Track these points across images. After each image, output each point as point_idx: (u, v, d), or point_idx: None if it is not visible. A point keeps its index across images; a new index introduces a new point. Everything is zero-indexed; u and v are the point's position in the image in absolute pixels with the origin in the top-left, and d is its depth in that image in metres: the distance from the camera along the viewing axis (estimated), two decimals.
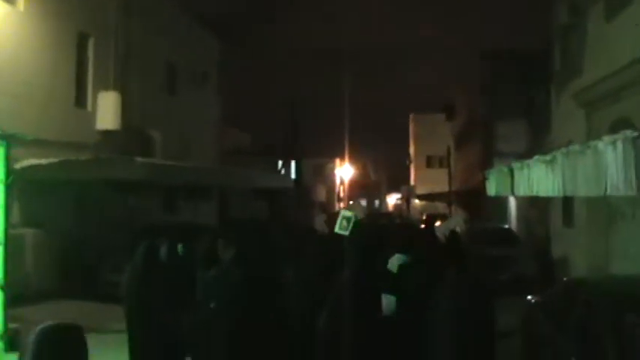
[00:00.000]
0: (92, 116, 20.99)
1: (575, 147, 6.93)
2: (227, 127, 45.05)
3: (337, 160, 72.75)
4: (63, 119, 19.37)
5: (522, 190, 9.20)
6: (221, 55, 32.80)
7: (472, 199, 36.76)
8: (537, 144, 26.05)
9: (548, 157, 7.78)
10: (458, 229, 12.12)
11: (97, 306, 15.55)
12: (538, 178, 8.17)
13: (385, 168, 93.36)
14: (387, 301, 7.01)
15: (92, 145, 20.28)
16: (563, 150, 7.29)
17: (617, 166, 5.67)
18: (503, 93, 33.53)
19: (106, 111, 21.06)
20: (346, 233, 9.00)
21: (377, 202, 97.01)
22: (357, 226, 9.23)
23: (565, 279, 10.41)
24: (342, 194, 71.21)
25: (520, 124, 31.92)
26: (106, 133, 21.13)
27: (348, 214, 9.27)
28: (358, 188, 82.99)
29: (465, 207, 41.17)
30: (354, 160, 71.71)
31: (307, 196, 57.64)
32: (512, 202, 30.57)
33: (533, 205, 25.51)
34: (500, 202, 29.82)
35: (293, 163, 52.40)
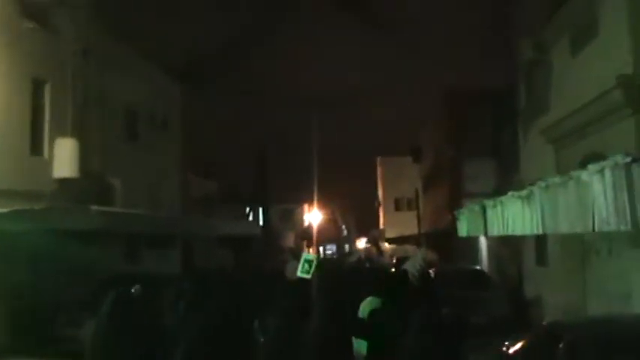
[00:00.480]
0: (49, 164, 20.27)
1: (555, 179, 6.38)
2: (192, 175, 44.61)
3: (306, 206, 72.36)
4: (17, 168, 18.65)
5: (496, 229, 8.64)
6: (184, 102, 32.26)
7: (442, 240, 36.37)
8: (506, 183, 25.64)
9: (524, 193, 7.23)
10: (418, 268, 13.09)
11: None
12: (513, 216, 7.63)
13: (354, 211, 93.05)
14: (358, 346, 7.15)
15: (48, 194, 19.54)
16: (541, 184, 6.72)
17: (605, 198, 5.01)
18: (469, 132, 33.27)
19: (63, 158, 20.36)
20: (308, 276, 8.95)
21: (347, 246, 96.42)
22: (320, 269, 9.16)
23: (545, 323, 9.82)
24: (311, 239, 70.42)
25: (488, 164, 31.53)
26: (64, 182, 20.40)
27: (310, 257, 9.34)
28: (327, 233, 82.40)
29: (435, 248, 40.69)
30: (322, 204, 71.20)
31: (276, 242, 57.11)
32: (483, 242, 30.08)
33: (505, 243, 25.05)
34: (471, 242, 29.35)
35: (260, 210, 51.81)
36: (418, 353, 6.68)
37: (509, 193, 7.88)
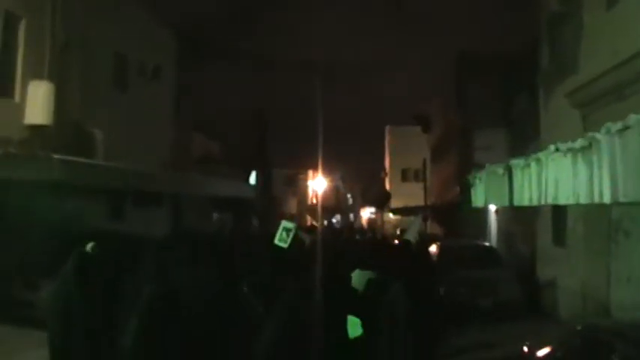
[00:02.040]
0: (19, 108, 18.36)
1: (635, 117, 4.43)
2: (194, 133, 43.13)
3: (310, 172, 71.31)
4: None
5: (528, 196, 6.61)
6: (180, 55, 30.26)
7: (448, 213, 35.10)
8: (520, 154, 23.79)
9: (578, 143, 5.23)
10: (413, 240, 12.20)
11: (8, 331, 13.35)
12: (557, 177, 5.62)
13: (360, 181, 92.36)
14: (352, 324, 6.76)
15: (17, 141, 17.66)
16: (611, 126, 4.75)
17: None
18: (481, 100, 31.53)
19: (36, 103, 18.42)
20: (285, 245, 8.56)
21: (352, 215, 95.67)
22: (297, 239, 8.79)
23: (579, 327, 7.59)
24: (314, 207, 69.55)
25: (500, 133, 29.77)
26: (35, 128, 18.52)
27: (289, 225, 8.83)
28: (332, 202, 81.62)
29: (441, 222, 39.55)
30: (328, 172, 70.09)
31: (277, 207, 55.81)
32: (492, 216, 28.25)
33: (517, 219, 23.13)
34: (480, 216, 27.72)
35: (260, 174, 50.40)
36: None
37: (551, 147, 5.96)
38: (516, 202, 7.38)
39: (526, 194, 6.76)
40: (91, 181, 17.11)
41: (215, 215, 36.79)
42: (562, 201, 5.82)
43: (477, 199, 9.64)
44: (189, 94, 33.63)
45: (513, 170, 7.24)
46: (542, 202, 6.35)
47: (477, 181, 9.58)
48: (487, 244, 23.74)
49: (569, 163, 5.44)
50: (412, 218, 45.18)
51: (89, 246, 8.60)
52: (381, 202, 61.40)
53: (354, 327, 6.72)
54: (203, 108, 38.34)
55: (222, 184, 30.24)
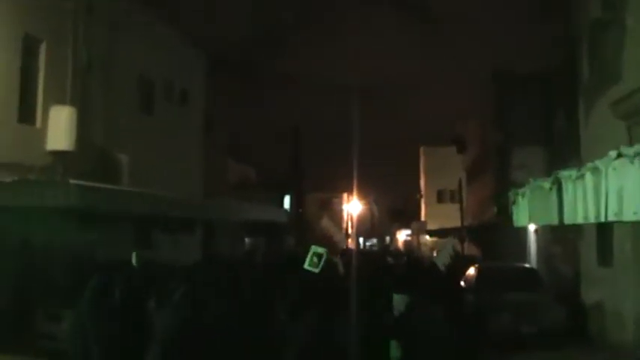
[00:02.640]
0: (41, 134, 17.88)
1: None
2: (229, 159, 42.89)
3: (345, 195, 70.93)
4: (1, 137, 16.26)
5: (583, 213, 5.72)
6: (209, 77, 29.76)
7: (486, 234, 34.58)
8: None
9: None
10: (445, 263, 12.54)
11: None
12: (622, 189, 4.80)
13: (395, 203, 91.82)
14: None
15: (40, 168, 17.16)
16: None
17: None
18: (517, 118, 30.83)
19: (59, 128, 17.95)
20: (316, 270, 8.16)
21: (387, 238, 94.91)
22: (329, 263, 8.53)
23: None
24: (349, 230, 69.35)
25: (537, 152, 29.11)
26: (59, 155, 18.02)
27: (320, 250, 8.40)
28: (367, 225, 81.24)
29: (478, 243, 38.73)
30: (362, 194, 69.79)
31: (310, 232, 55.27)
32: (531, 236, 27.31)
33: (558, 238, 22.20)
34: (518, 237, 26.82)
35: (294, 198, 50.00)
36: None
37: (611, 153, 5.18)
38: (567, 221, 6.49)
39: (580, 211, 5.90)
40: (114, 208, 16.49)
41: (247, 240, 36.28)
42: (627, 217, 5.01)
43: (519, 218, 8.78)
44: (222, 117, 33.32)
45: (563, 183, 6.40)
46: (602, 219, 5.49)
47: (519, 198, 8.74)
48: (528, 265, 22.78)
49: (636, 171, 4.64)
50: (444, 241, 44.50)
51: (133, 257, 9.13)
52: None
53: (393, 349, 6.90)
54: (237, 132, 38.23)
55: (254, 208, 29.63)
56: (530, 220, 8.28)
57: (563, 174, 6.58)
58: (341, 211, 73.85)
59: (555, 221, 6.89)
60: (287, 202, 51.94)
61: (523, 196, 8.65)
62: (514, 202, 9.10)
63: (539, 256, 26.20)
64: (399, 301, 7.89)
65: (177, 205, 21.04)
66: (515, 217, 9.13)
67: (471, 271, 19.46)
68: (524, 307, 15.98)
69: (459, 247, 40.63)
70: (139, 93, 23.49)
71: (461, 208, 43.83)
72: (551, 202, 6.85)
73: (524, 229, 26.36)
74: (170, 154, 24.44)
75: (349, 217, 70.33)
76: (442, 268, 12.74)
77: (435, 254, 42.54)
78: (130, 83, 22.78)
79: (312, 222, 59.35)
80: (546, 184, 7.25)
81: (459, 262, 25.59)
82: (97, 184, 15.90)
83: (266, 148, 48.10)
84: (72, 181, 14.63)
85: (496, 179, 34.61)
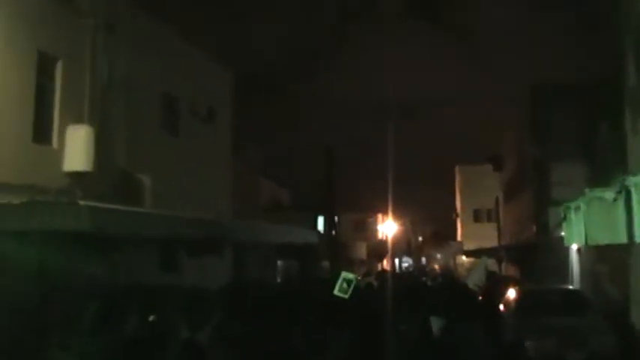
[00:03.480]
0: (58, 155, 17.13)
1: None
2: (265, 180, 42.34)
3: (380, 216, 70.38)
4: (14, 158, 15.52)
5: None
6: (237, 96, 28.97)
7: (525, 254, 33.41)
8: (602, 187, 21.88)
9: None
10: (478, 283, 12.66)
11: None
12: None
13: (431, 223, 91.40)
14: None
15: (56, 190, 16.37)
16: None
17: None
18: (556, 132, 30.46)
19: (76, 148, 17.16)
20: (346, 296, 8.51)
21: (423, 259, 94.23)
22: (358, 289, 9.12)
23: None
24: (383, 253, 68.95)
25: (579, 167, 28.25)
26: (76, 176, 17.25)
27: (349, 276, 8.87)
28: (403, 245, 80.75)
29: (517, 263, 37.75)
30: (397, 215, 69.22)
31: (344, 254, 54.39)
32: (574, 255, 26.13)
33: (603, 257, 21.01)
34: (560, 256, 25.70)
35: (327, 219, 49.36)
36: None
37: None
38: None
39: None
40: (129, 230, 15.61)
41: (280, 263, 35.50)
42: None
43: (572, 236, 7.64)
44: (256, 138, 32.89)
45: (633, 192, 5.32)
46: None
47: (571, 213, 7.60)
48: (572, 287, 21.53)
49: None
50: (478, 261, 43.48)
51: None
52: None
53: None
54: (273, 153, 38.06)
55: (284, 230, 28.71)
56: (588, 239, 7.06)
57: (633, 180, 5.50)
58: (376, 231, 73.10)
59: (622, 239, 5.79)
60: (321, 223, 51.32)
61: (577, 210, 7.49)
62: (564, 219, 7.98)
63: (583, 276, 24.95)
64: (433, 322, 7.85)
65: (201, 226, 20.20)
66: (566, 236, 8.00)
67: (511, 293, 18.33)
68: (570, 331, 14.80)
69: (495, 267, 39.77)
70: (162, 111, 22.73)
71: (498, 228, 43.32)
72: (615, 215, 5.76)
73: (567, 248, 25.35)
74: (197, 175, 23.65)
75: (383, 240, 69.83)
76: (475, 288, 12.34)
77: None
78: (152, 101, 22.04)
79: (346, 243, 58.47)
80: (609, 194, 6.15)
81: (496, 284, 24.59)
82: (110, 206, 15.05)
83: (301, 169, 47.99)
84: (82, 202, 13.77)
85: (535, 197, 33.83)
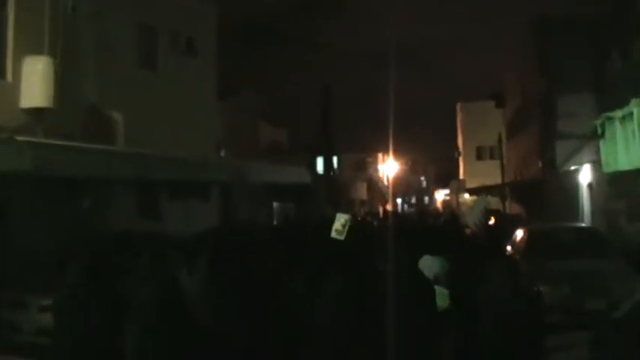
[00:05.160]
0: (14, 90, 15.46)
1: None
2: (262, 123, 41.22)
3: (380, 155, 69.44)
4: None
5: None
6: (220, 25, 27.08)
7: (530, 191, 32.74)
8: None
9: None
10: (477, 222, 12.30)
11: None
12: None
13: (433, 162, 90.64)
14: (440, 295, 6.99)
15: (13, 128, 14.70)
16: None
17: None
18: (563, 64, 28.95)
19: (34, 83, 15.53)
20: (342, 238, 8.04)
21: (426, 198, 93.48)
22: (354, 230, 8.30)
23: None
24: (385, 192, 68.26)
25: (587, 99, 26.97)
26: (36, 113, 15.60)
27: (345, 217, 8.33)
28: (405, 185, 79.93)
29: (521, 202, 36.62)
30: (399, 154, 68.35)
31: (344, 194, 53.40)
32: (584, 191, 24.62)
33: (620, 192, 19.36)
34: (569, 193, 24.27)
35: (324, 159, 48.44)
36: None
37: None
38: None
39: None
40: (87, 171, 14.00)
41: (276, 205, 34.34)
42: None
43: (618, 158, 5.96)
44: (253, 80, 31.64)
45: None
46: None
47: (616, 125, 5.85)
48: (588, 225, 19.58)
49: None
50: (489, 198, 42.25)
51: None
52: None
53: (443, 298, 6.96)
54: (273, 96, 37.25)
55: (274, 169, 27.16)
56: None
57: None
58: (377, 171, 72.08)
59: None
60: (320, 164, 50.40)
61: (625, 120, 5.68)
62: (602, 135, 6.30)
63: (595, 214, 23.33)
64: (430, 263, 7.68)
65: (181, 166, 18.64)
66: (605, 159, 6.33)
67: (519, 234, 16.65)
68: (588, 277, 13.12)
69: (499, 206, 38.59)
70: (138, 43, 20.96)
71: (501, 165, 42.11)
72: None
73: (576, 184, 23.95)
74: (179, 114, 21.95)
75: (385, 177, 69.07)
76: (474, 227, 12.57)
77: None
78: (127, 32, 20.26)
79: (346, 184, 57.45)
80: None
81: (502, 222, 23.18)
82: (60, 142, 13.44)
83: (301, 112, 47.18)
84: (20, 139, 12.13)
85: (540, 131, 32.97)
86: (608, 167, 6.38)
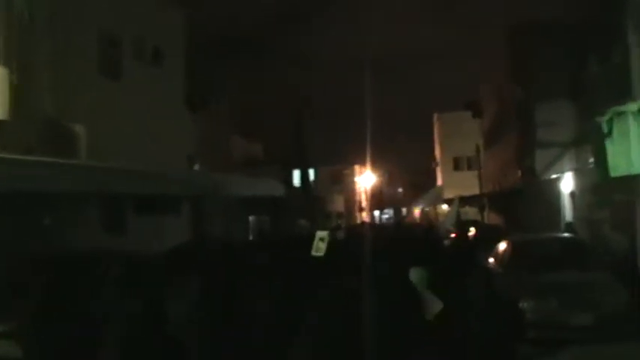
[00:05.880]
0: None
1: None
2: (235, 135, 40.83)
3: (357, 167, 69.01)
4: None
5: None
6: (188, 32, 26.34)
7: (509, 201, 32.26)
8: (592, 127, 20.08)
9: None
10: (448, 227, 13.84)
11: None
12: None
13: (410, 173, 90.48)
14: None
15: None
16: None
17: None
18: (539, 71, 28.70)
19: None
20: (321, 255, 8.30)
21: (404, 210, 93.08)
22: (334, 247, 8.60)
23: None
24: (363, 204, 67.49)
25: (564, 106, 26.71)
26: None
27: (323, 233, 8.65)
28: (382, 197, 79.64)
29: (500, 212, 36.41)
30: (376, 166, 68.06)
31: (321, 207, 52.90)
32: (566, 200, 24.07)
33: (604, 201, 18.79)
34: (549, 202, 23.77)
35: (299, 171, 48.18)
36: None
37: None
38: None
39: None
40: (48, 185, 13.16)
41: (252, 219, 33.68)
42: None
43: (627, 161, 5.19)
44: (226, 92, 31.26)
45: None
46: None
47: (630, 119, 5.11)
48: (572, 235, 18.75)
49: None
50: (466, 208, 41.96)
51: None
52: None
53: (436, 305, 6.88)
54: (247, 108, 37.08)
55: (245, 182, 26.36)
56: None
57: None
58: (353, 183, 71.56)
59: None
60: (296, 177, 50.01)
61: (638, 115, 4.92)
62: (608, 135, 5.55)
63: (578, 224, 22.64)
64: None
65: (148, 179, 17.81)
66: (616, 160, 5.58)
67: (501, 246, 15.94)
68: (575, 290, 12.41)
69: (475, 217, 38.34)
70: (100, 52, 20.16)
71: (479, 175, 42.08)
72: None
73: (558, 193, 23.40)
74: (145, 125, 21.16)
75: (362, 190, 68.73)
76: (450, 228, 12.91)
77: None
78: (88, 41, 19.48)
79: (323, 197, 56.97)
80: None
81: (481, 234, 22.67)
82: (18, 157, 12.63)
83: (277, 124, 46.89)
84: None
85: (519, 140, 32.64)
86: (618, 170, 5.68)
